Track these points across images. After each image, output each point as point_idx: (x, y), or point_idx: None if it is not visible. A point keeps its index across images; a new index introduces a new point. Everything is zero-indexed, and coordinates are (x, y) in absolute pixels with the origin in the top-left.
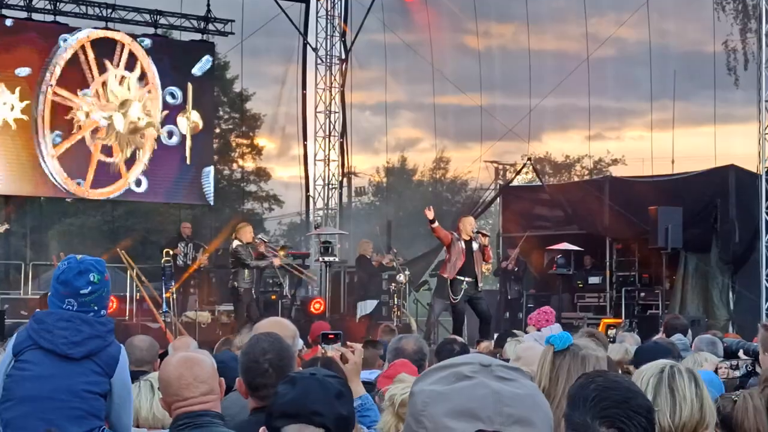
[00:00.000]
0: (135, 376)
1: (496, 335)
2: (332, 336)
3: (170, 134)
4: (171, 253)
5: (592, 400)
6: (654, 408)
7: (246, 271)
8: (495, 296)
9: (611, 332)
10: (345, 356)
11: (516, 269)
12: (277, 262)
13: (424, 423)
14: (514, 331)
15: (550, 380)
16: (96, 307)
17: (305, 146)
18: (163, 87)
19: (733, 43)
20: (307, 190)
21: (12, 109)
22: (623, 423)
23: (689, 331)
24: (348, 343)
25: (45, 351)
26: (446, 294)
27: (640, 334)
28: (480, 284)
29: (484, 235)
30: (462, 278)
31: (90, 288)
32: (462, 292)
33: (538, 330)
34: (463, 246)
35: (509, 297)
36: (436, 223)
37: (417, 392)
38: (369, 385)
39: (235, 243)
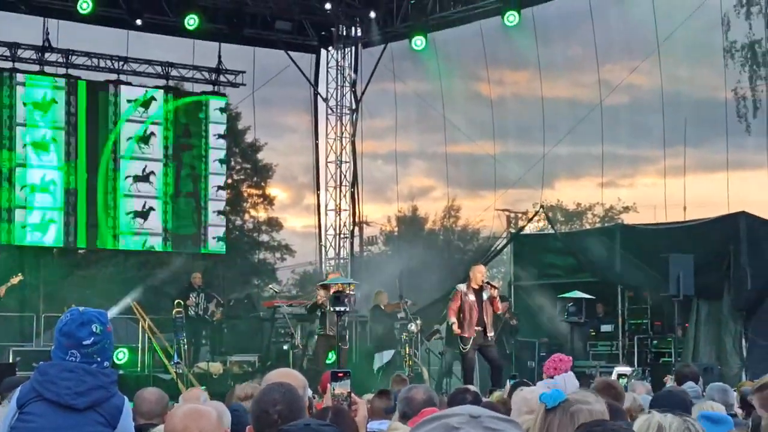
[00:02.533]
0: (144, 428)
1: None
2: (341, 374)
3: None
4: (183, 304)
5: None
6: None
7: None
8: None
9: (622, 381)
10: (354, 400)
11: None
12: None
13: None
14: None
15: None
16: (99, 359)
17: (318, 196)
18: None
19: (743, 90)
20: (320, 239)
21: None
22: None
23: (701, 379)
24: (353, 397)
25: (49, 402)
26: (456, 343)
27: (653, 383)
28: (490, 333)
29: (493, 287)
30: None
31: (92, 339)
32: (471, 342)
33: (551, 377)
34: (473, 298)
35: (507, 351)
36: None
37: None
38: None
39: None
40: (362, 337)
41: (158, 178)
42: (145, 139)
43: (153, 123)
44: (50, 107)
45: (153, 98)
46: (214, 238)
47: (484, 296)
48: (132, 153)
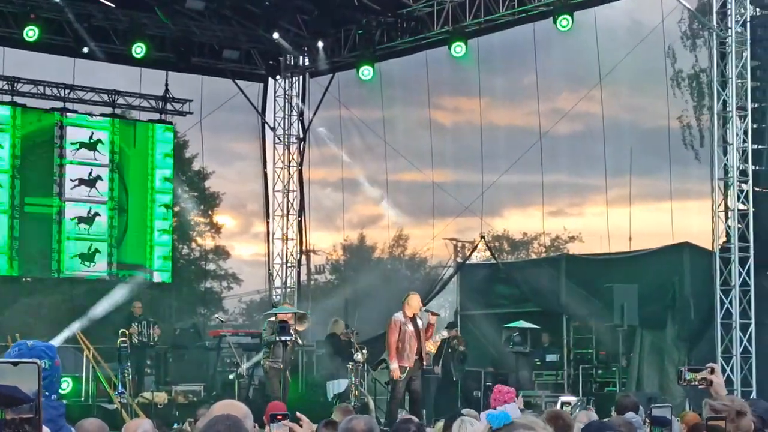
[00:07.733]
0: None
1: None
2: (280, 417)
3: None
4: (127, 333)
5: None
6: None
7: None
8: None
9: (567, 410)
10: (293, 429)
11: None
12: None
13: None
14: (467, 410)
15: None
16: (47, 393)
17: (268, 224)
18: None
19: (688, 119)
20: (269, 268)
21: None
22: None
23: (640, 409)
24: (298, 414)
25: None
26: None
27: (598, 412)
28: (425, 362)
29: (433, 314)
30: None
31: (41, 375)
32: (407, 371)
33: (494, 409)
34: (412, 327)
35: (454, 378)
36: (394, 364)
37: None
38: None
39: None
40: (308, 366)
41: (104, 221)
42: (91, 181)
43: (99, 166)
44: None
45: (99, 141)
46: (158, 270)
47: (420, 324)
48: (77, 194)
